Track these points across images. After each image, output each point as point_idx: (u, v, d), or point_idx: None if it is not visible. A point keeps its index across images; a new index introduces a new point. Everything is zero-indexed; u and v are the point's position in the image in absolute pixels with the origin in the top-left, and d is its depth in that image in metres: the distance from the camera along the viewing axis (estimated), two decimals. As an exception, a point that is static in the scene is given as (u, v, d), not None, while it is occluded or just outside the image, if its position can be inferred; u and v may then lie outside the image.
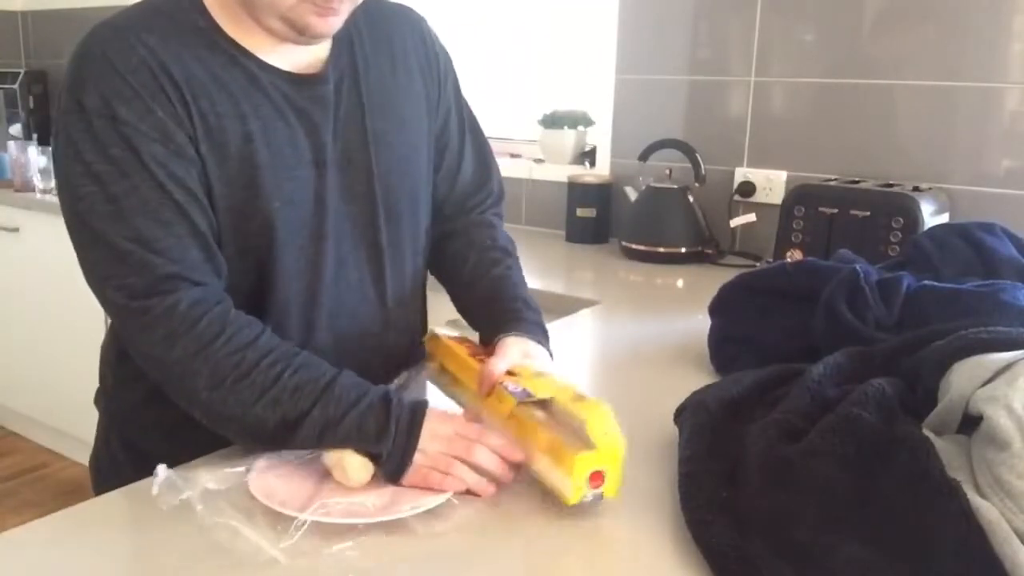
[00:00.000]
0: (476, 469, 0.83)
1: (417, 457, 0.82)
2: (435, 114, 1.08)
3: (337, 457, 0.82)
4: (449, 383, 1.01)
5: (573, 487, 0.78)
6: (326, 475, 0.83)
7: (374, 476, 0.83)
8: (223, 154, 0.87)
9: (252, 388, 0.83)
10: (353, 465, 0.81)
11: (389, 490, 0.82)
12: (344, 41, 0.97)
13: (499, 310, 1.02)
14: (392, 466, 0.82)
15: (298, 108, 0.92)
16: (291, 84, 0.92)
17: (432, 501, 0.80)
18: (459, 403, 0.98)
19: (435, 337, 1.06)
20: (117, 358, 1.01)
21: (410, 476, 0.82)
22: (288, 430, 0.83)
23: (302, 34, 0.89)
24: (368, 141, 0.98)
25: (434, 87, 1.07)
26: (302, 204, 0.93)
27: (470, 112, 1.16)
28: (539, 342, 0.98)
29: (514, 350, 0.94)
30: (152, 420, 0.98)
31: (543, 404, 0.86)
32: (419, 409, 0.85)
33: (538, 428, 0.84)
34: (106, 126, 0.82)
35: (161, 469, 0.79)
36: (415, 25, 1.07)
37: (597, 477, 0.79)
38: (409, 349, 1.08)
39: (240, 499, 0.79)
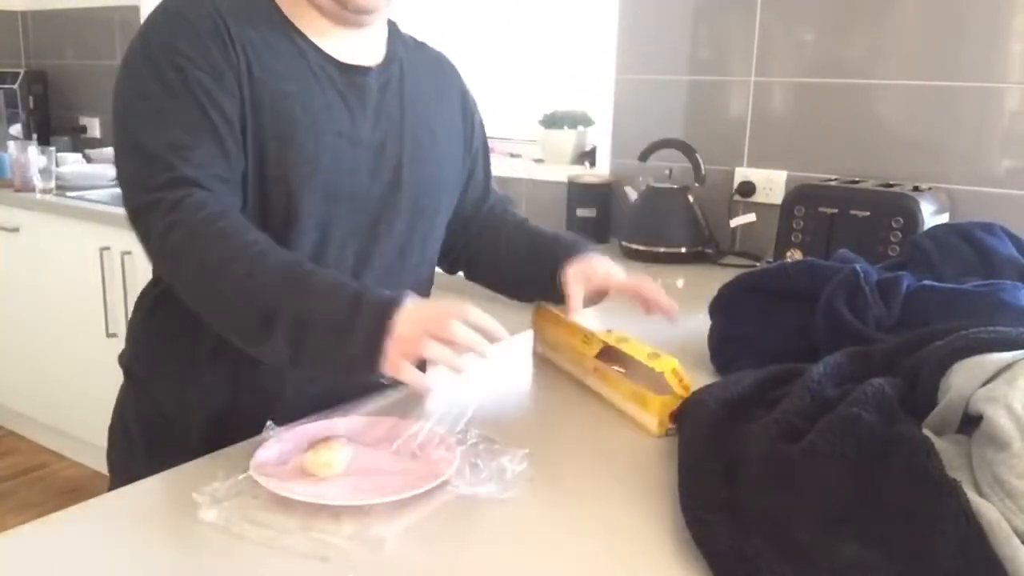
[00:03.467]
0: (452, 344, 0.84)
1: (387, 343, 0.83)
2: (468, 150, 1.18)
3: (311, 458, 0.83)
4: (551, 347, 1.19)
5: (658, 423, 0.96)
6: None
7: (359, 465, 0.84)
8: (260, 104, 0.95)
9: (236, 270, 0.86)
10: (319, 462, 0.82)
11: (383, 476, 0.83)
12: (395, 56, 1.08)
13: (542, 247, 1.15)
14: (365, 358, 0.83)
15: (338, 89, 1.00)
16: (335, 67, 1.00)
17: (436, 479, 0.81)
18: (558, 364, 1.17)
19: (542, 307, 1.21)
20: (152, 307, 1.06)
21: (387, 365, 0.83)
22: (270, 320, 0.85)
23: (345, 7, 0.97)
24: (403, 148, 1.05)
25: (469, 127, 1.18)
26: (325, 167, 0.98)
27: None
28: (589, 250, 1.12)
29: (577, 278, 1.08)
30: (176, 383, 1.03)
31: (621, 361, 1.05)
32: (394, 299, 0.85)
33: (621, 380, 1.02)
34: (164, 56, 0.91)
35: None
36: (455, 72, 1.20)
37: (673, 417, 0.96)
38: None
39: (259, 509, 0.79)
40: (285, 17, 0.99)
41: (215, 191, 0.91)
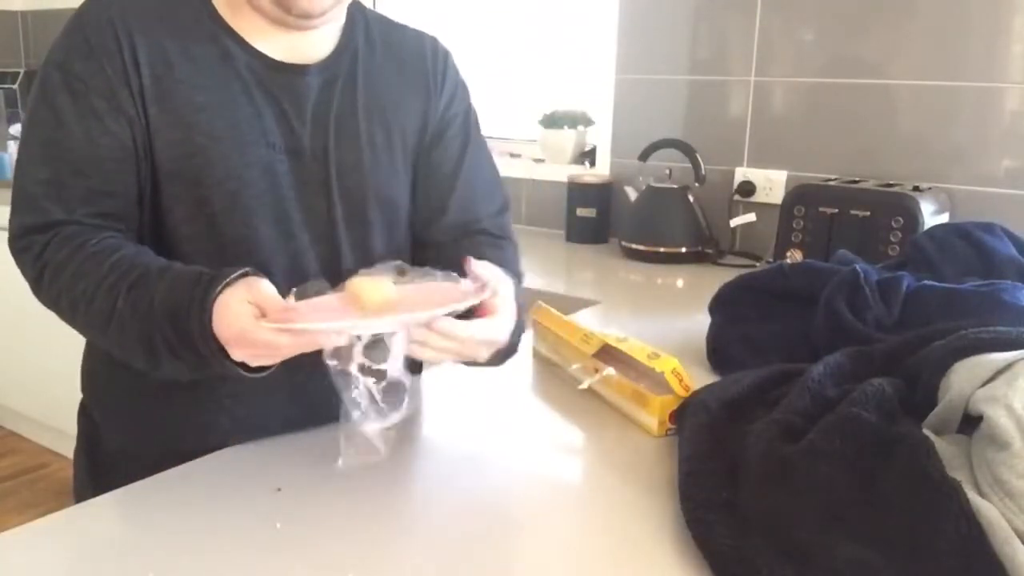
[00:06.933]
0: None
1: (226, 347, 0.77)
2: (425, 133, 1.05)
3: (356, 287, 0.77)
4: (550, 346, 1.21)
5: (658, 423, 0.96)
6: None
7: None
8: (173, 120, 0.89)
9: (100, 315, 0.84)
10: (365, 289, 0.77)
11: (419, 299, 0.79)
12: (349, 48, 0.99)
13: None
14: (229, 363, 0.78)
15: (269, 92, 0.93)
16: (268, 68, 0.94)
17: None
18: (558, 364, 1.18)
19: (542, 307, 1.25)
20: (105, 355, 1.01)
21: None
22: (150, 350, 0.82)
23: (288, 12, 0.91)
24: (351, 151, 0.97)
25: (433, 106, 1.05)
26: (253, 182, 0.92)
27: (480, 145, 1.11)
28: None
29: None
30: (129, 420, 1.01)
31: (621, 361, 1.04)
32: (203, 303, 0.78)
33: (621, 380, 1.03)
34: (59, 77, 0.88)
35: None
36: (432, 50, 1.07)
37: (673, 417, 0.97)
38: None
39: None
40: (218, 18, 0.92)
41: (86, 226, 0.88)
